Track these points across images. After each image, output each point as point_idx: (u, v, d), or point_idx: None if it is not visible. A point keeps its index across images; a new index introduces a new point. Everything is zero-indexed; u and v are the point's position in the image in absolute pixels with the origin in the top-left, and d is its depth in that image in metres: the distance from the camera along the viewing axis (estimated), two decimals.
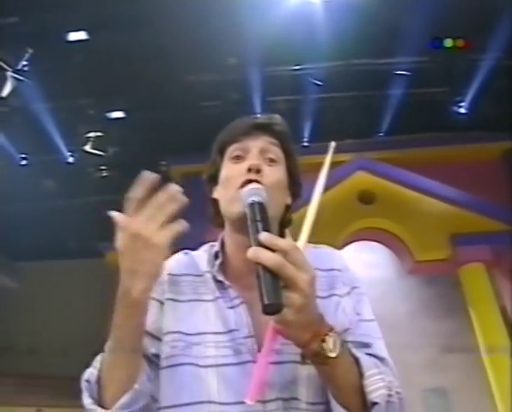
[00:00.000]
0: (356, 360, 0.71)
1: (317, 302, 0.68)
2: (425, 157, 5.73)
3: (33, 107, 5.08)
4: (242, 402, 0.71)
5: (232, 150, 0.91)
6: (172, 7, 4.15)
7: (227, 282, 0.86)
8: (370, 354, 0.78)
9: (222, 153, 0.93)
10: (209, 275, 0.88)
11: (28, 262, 7.30)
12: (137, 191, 0.67)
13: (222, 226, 0.92)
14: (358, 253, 5.12)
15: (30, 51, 4.58)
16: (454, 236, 5.03)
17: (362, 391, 0.70)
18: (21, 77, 4.70)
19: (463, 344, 4.81)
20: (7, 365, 6.04)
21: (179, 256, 0.95)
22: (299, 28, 4.55)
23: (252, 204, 0.73)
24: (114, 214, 0.67)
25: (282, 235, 0.90)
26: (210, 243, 0.96)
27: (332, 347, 0.66)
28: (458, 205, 5.16)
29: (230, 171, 0.89)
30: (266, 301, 0.60)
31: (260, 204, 0.72)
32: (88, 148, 5.68)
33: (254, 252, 0.63)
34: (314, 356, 0.67)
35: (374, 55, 5.01)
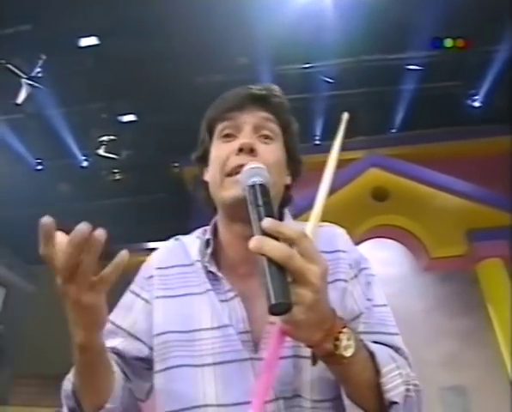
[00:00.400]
0: (372, 355, 0.65)
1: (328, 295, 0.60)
2: (439, 152, 5.65)
3: (47, 113, 5.16)
4: (240, 404, 0.67)
5: (222, 128, 0.81)
6: (180, 10, 4.17)
7: (219, 274, 0.77)
8: (385, 344, 0.71)
9: (211, 130, 0.84)
10: (199, 265, 0.80)
11: (44, 265, 7.38)
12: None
13: (216, 210, 0.84)
14: (373, 251, 5.08)
15: (43, 57, 4.65)
16: (471, 231, 4.95)
17: (379, 389, 0.64)
18: (35, 84, 4.78)
19: (481, 341, 4.74)
20: (28, 367, 6.14)
21: (169, 243, 0.88)
22: (309, 26, 4.53)
23: (252, 186, 0.62)
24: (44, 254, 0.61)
25: (281, 217, 0.82)
26: (204, 227, 0.86)
27: (346, 345, 0.58)
28: (473, 200, 5.07)
29: (220, 151, 0.79)
30: (273, 301, 0.51)
31: (262, 186, 0.63)
32: (101, 151, 5.74)
33: (257, 243, 0.53)
34: (328, 356, 0.59)
35: (385, 50, 4.96)
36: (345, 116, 0.72)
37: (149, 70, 4.75)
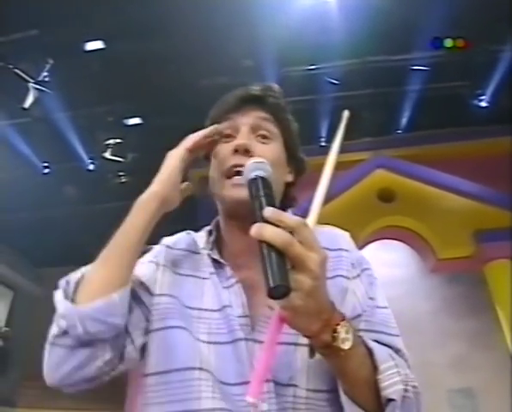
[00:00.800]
0: (370, 352, 0.65)
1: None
2: (445, 153, 5.62)
3: (53, 117, 5.20)
4: (231, 384, 0.68)
5: (222, 128, 0.85)
6: (185, 13, 4.19)
7: (222, 260, 0.81)
8: (385, 344, 0.71)
9: None
10: (205, 253, 0.84)
11: (51, 268, 7.46)
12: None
13: None
14: (379, 252, 5.06)
15: (50, 62, 4.69)
16: (478, 232, 4.92)
17: (376, 386, 0.64)
18: (42, 88, 4.82)
19: (489, 343, 4.70)
20: (35, 369, 6.18)
21: (180, 234, 0.92)
22: (313, 28, 4.52)
23: (254, 179, 0.65)
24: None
25: None
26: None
27: (344, 338, 0.58)
28: (481, 201, 5.04)
29: (219, 150, 0.83)
30: (272, 284, 0.52)
31: (264, 179, 0.65)
32: (107, 154, 5.77)
33: (258, 229, 0.55)
34: (325, 348, 0.59)
35: (389, 51, 4.94)
36: (346, 114, 0.74)
37: (154, 73, 4.77)
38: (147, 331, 0.76)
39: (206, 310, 0.76)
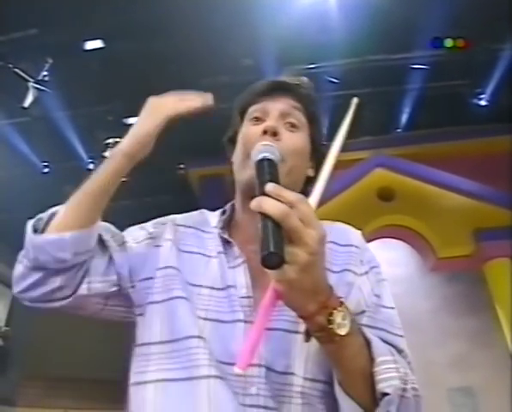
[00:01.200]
0: (368, 343, 0.63)
1: (328, 274, 0.60)
2: (445, 151, 5.62)
3: (53, 116, 5.20)
4: (225, 363, 0.67)
5: (251, 111, 0.85)
6: (185, 12, 4.19)
7: (231, 240, 0.80)
8: (387, 343, 0.69)
9: (242, 114, 0.88)
10: (216, 232, 0.83)
11: None
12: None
13: None
14: (379, 251, 5.02)
15: (50, 61, 4.69)
16: (478, 231, 4.92)
17: (371, 380, 0.61)
18: (42, 87, 4.81)
19: (489, 342, 4.71)
20: (33, 368, 6.18)
21: (193, 213, 0.92)
22: (313, 27, 4.53)
23: (261, 161, 0.65)
24: None
25: None
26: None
27: (341, 323, 0.57)
28: (480, 199, 5.04)
29: (246, 132, 0.83)
30: (265, 251, 0.51)
31: (270, 161, 0.64)
32: (107, 154, 5.77)
33: (258, 201, 0.55)
34: (320, 331, 0.58)
35: (389, 50, 4.94)
36: (355, 100, 0.74)
37: (153, 72, 4.77)
38: (115, 285, 0.79)
39: (208, 287, 0.76)
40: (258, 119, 0.83)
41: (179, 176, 6.15)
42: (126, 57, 4.60)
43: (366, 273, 0.79)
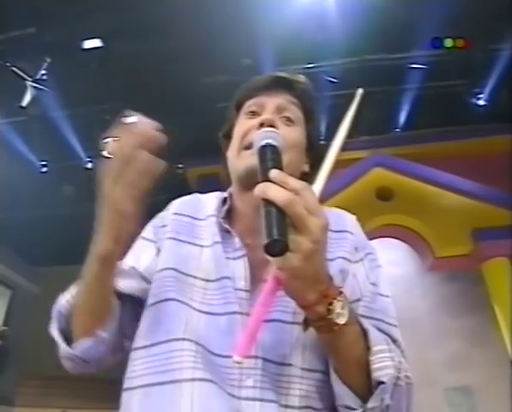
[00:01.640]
0: (365, 333, 0.64)
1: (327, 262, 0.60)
2: (443, 151, 5.63)
3: (51, 115, 5.19)
4: (221, 356, 0.67)
5: (248, 105, 0.85)
6: (184, 11, 4.18)
7: (233, 231, 0.79)
8: (382, 332, 0.69)
9: (238, 108, 0.88)
10: (213, 220, 0.81)
11: (49, 266, 7.45)
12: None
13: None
14: (377, 251, 5.06)
15: (48, 60, 4.68)
16: (476, 231, 4.93)
17: (367, 368, 0.62)
18: (40, 86, 4.80)
19: (487, 341, 4.72)
20: (31, 368, 6.17)
21: (187, 197, 0.91)
22: (311, 26, 4.53)
23: (264, 147, 0.62)
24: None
25: None
26: (221, 192, 0.89)
27: (339, 313, 0.57)
28: (479, 199, 5.05)
29: (242, 125, 0.83)
30: (269, 238, 0.50)
31: (273, 146, 0.63)
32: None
33: (262, 188, 0.54)
34: (319, 321, 0.58)
35: (388, 50, 4.94)
36: (360, 91, 0.74)
37: (152, 72, 4.76)
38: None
39: (202, 279, 0.75)
40: (254, 113, 0.83)
41: (178, 175, 6.15)
42: (125, 56, 4.59)
43: (361, 260, 0.79)
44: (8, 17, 4.15)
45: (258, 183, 0.57)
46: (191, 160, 6.01)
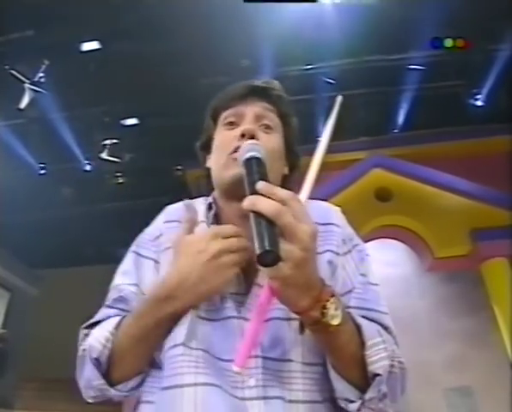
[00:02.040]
0: (358, 328, 0.66)
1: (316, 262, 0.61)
2: (442, 152, 5.63)
3: (50, 117, 5.19)
4: (224, 360, 0.67)
5: (225, 116, 0.85)
6: (182, 13, 4.19)
7: None
8: (374, 321, 0.71)
9: (215, 119, 0.88)
10: (204, 226, 0.81)
11: (48, 269, 7.44)
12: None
13: None
14: (376, 251, 5.05)
15: (46, 62, 4.68)
16: (475, 231, 4.93)
17: (363, 362, 0.65)
18: (38, 89, 4.80)
19: (486, 342, 4.71)
20: (28, 370, 6.16)
21: (178, 204, 0.90)
22: (310, 28, 4.53)
23: (249, 159, 0.65)
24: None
25: None
26: (204, 197, 0.89)
27: (334, 314, 0.59)
28: (477, 199, 5.05)
29: (223, 137, 0.83)
30: (261, 249, 0.52)
31: (258, 159, 0.65)
32: (104, 155, 5.76)
33: (250, 200, 0.56)
34: (314, 324, 0.60)
35: (386, 51, 4.96)
36: (339, 99, 0.77)
37: (151, 73, 4.77)
38: None
39: None
40: (232, 124, 0.84)
41: (177, 177, 6.15)
42: (123, 58, 4.59)
43: (349, 252, 0.80)
44: (6, 20, 4.15)
45: (244, 195, 0.58)
46: (189, 162, 6.01)
